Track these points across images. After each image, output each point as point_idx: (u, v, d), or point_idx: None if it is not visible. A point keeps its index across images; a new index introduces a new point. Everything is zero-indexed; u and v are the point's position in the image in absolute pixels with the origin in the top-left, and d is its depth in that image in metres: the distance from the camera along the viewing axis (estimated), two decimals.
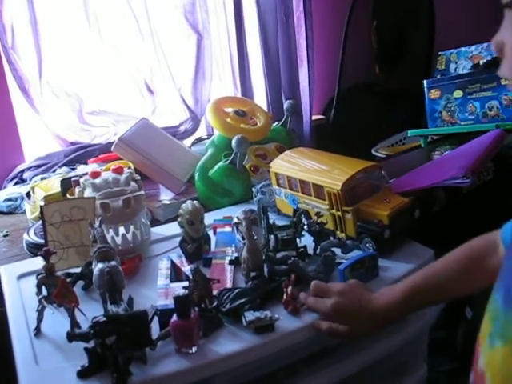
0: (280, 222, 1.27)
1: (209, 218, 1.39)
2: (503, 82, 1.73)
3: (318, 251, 1.20)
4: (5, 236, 1.58)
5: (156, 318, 0.96)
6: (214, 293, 1.03)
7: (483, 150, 1.53)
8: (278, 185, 1.42)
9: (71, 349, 0.91)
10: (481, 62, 1.97)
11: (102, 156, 1.88)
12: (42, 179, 1.79)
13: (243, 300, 1.01)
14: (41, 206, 1.21)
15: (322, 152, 1.43)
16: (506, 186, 1.63)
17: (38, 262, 1.10)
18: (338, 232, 1.27)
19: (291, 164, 1.39)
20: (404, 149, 2.07)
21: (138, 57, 2.06)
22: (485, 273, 0.87)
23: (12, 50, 1.83)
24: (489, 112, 1.80)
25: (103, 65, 2.04)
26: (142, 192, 1.34)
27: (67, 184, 1.55)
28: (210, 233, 1.35)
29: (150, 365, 0.89)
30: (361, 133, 2.28)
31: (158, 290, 1.09)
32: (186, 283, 1.05)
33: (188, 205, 1.26)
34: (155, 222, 1.55)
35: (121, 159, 1.74)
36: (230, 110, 1.86)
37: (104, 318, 0.85)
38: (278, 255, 1.18)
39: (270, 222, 1.24)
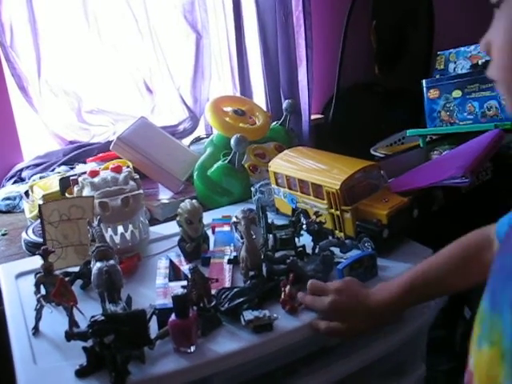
0: (279, 222, 1.27)
1: (207, 217, 1.39)
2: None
3: (316, 250, 1.20)
4: (3, 235, 1.58)
5: (154, 317, 0.96)
6: (213, 292, 1.03)
7: (482, 149, 1.53)
8: (277, 184, 1.42)
9: (69, 348, 0.91)
10: (480, 62, 1.97)
11: (100, 155, 1.88)
12: (40, 178, 1.78)
13: (242, 299, 1.01)
14: (39, 205, 1.21)
15: (321, 151, 1.43)
16: (504, 186, 1.63)
17: (36, 261, 1.10)
18: (337, 231, 1.27)
19: (290, 163, 1.39)
20: (403, 148, 2.07)
21: (137, 56, 2.06)
22: (482, 266, 0.87)
23: (11, 48, 1.82)
24: (488, 112, 1.81)
25: (102, 64, 2.04)
26: (141, 191, 1.34)
27: (66, 183, 1.55)
28: (209, 232, 1.35)
29: (149, 364, 0.89)
30: (360, 132, 2.28)
31: (156, 289, 1.09)
32: (185, 282, 1.05)
33: (187, 204, 1.26)
34: (154, 221, 1.55)
35: (119, 158, 1.74)
36: (228, 109, 1.86)
37: (102, 317, 0.85)
38: (277, 254, 1.18)
39: (269, 221, 1.24)
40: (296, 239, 1.22)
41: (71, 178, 1.50)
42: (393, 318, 1.02)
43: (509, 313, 0.48)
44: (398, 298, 0.96)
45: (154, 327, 0.94)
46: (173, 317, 0.91)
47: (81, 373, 0.88)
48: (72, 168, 1.86)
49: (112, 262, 1.01)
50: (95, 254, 1.03)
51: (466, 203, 1.59)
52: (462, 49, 2.08)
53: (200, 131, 2.23)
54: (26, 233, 1.44)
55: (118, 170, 1.37)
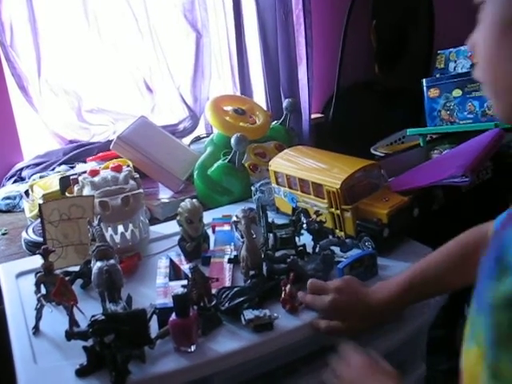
0: (279, 221, 1.27)
1: (208, 217, 1.39)
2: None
3: (317, 250, 1.20)
4: (3, 234, 1.58)
5: (155, 317, 0.96)
6: (213, 291, 1.03)
7: (482, 148, 1.53)
8: (277, 183, 1.42)
9: (70, 347, 0.91)
10: None
11: (100, 154, 1.88)
12: (40, 177, 1.78)
13: (242, 298, 1.01)
14: (39, 205, 1.21)
15: (321, 150, 1.43)
16: (504, 185, 1.63)
17: (36, 261, 1.10)
18: (337, 231, 1.27)
19: (290, 162, 1.39)
20: (403, 148, 2.07)
21: (137, 55, 2.06)
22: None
23: (11, 48, 1.82)
24: (488, 111, 1.81)
25: (102, 63, 2.03)
26: (141, 190, 1.34)
27: (66, 182, 1.55)
28: (209, 231, 1.35)
29: (149, 363, 0.89)
30: (360, 131, 2.28)
31: (156, 289, 1.09)
32: (185, 282, 1.05)
33: (187, 203, 1.26)
34: (154, 221, 1.55)
35: (120, 157, 1.73)
36: (229, 108, 1.85)
37: (103, 317, 0.85)
38: (277, 254, 1.18)
39: (269, 220, 1.24)
40: (296, 238, 1.22)
41: (71, 177, 1.50)
42: (392, 317, 1.02)
43: (487, 313, 0.48)
44: (397, 297, 0.97)
45: (154, 326, 0.94)
46: (173, 316, 0.91)
47: (81, 372, 0.88)
48: (72, 167, 1.86)
49: (112, 261, 1.01)
50: (95, 253, 1.03)
51: (467, 202, 1.59)
52: (463, 48, 2.08)
53: (200, 130, 2.23)
54: (26, 232, 1.44)
55: (118, 169, 1.37)
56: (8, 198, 1.77)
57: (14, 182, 1.88)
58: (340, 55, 2.33)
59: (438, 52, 2.19)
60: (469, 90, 1.85)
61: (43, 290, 1.03)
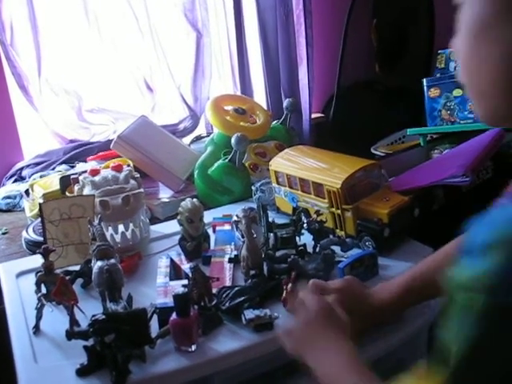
0: (279, 220, 1.27)
1: (208, 216, 1.39)
2: None
3: (317, 249, 1.20)
4: (3, 234, 1.58)
5: (155, 316, 0.96)
6: (214, 291, 1.03)
7: (482, 148, 1.53)
8: (278, 183, 1.42)
9: (70, 347, 0.91)
10: None
11: (101, 154, 1.87)
12: (40, 177, 1.78)
13: (243, 298, 1.01)
14: (40, 204, 1.21)
15: (322, 150, 1.43)
16: (505, 185, 1.62)
17: (36, 260, 1.10)
18: (338, 230, 1.27)
19: (291, 162, 1.39)
20: (403, 147, 2.07)
21: (137, 54, 2.06)
22: None
23: (11, 47, 1.82)
24: None
25: (102, 62, 2.03)
26: (142, 190, 1.34)
27: (66, 182, 1.54)
28: (210, 231, 1.35)
29: (150, 363, 0.89)
30: (360, 131, 2.28)
31: (157, 288, 1.09)
32: (186, 281, 1.05)
33: (187, 203, 1.26)
34: (154, 220, 1.55)
35: (120, 157, 1.73)
36: (229, 107, 1.85)
37: (103, 316, 0.85)
38: (278, 253, 1.18)
39: (270, 220, 1.24)
40: (297, 238, 1.22)
41: (72, 176, 1.50)
42: (393, 318, 1.02)
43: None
44: (398, 298, 0.96)
45: (154, 326, 0.95)
46: (174, 316, 0.91)
47: (81, 372, 0.88)
48: (72, 167, 1.86)
49: (113, 260, 1.01)
50: (96, 252, 1.03)
51: (467, 202, 1.59)
52: None
53: (200, 130, 2.23)
54: (27, 231, 1.44)
55: (118, 168, 1.37)
56: (8, 197, 1.77)
57: (15, 181, 1.88)
58: (340, 55, 2.33)
59: (439, 52, 2.19)
60: None
61: (43, 290, 1.03)
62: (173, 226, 1.36)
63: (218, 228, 1.38)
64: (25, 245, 1.42)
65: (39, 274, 1.03)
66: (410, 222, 1.24)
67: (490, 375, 0.39)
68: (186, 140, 2.10)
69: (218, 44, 2.26)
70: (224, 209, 1.55)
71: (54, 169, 1.88)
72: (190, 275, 1.01)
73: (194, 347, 0.92)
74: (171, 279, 1.13)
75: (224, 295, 1.03)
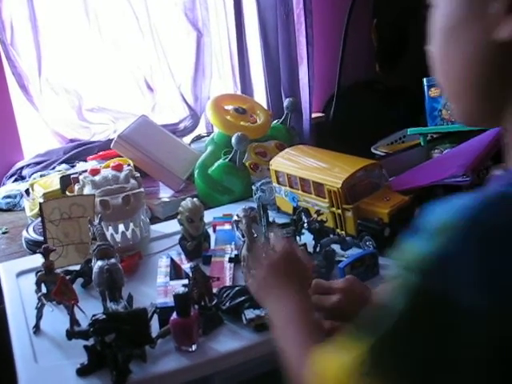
0: (280, 220, 1.27)
1: (208, 216, 1.39)
2: None
3: (317, 249, 1.19)
4: (4, 233, 1.58)
5: (156, 316, 0.96)
6: (214, 291, 1.03)
7: (483, 148, 1.53)
8: (278, 182, 1.42)
9: (71, 346, 0.91)
10: None
11: (101, 153, 1.87)
12: (41, 176, 1.78)
13: (243, 298, 1.01)
14: (40, 203, 1.21)
15: (322, 150, 1.43)
16: None
17: (37, 260, 1.10)
18: (338, 230, 1.27)
19: (291, 162, 1.38)
20: (403, 147, 2.07)
21: (137, 54, 2.06)
22: None
23: (11, 46, 1.82)
24: None
25: (103, 62, 2.03)
26: (142, 189, 1.34)
27: (66, 181, 1.54)
28: (210, 230, 1.35)
29: (150, 363, 0.89)
30: (360, 131, 2.28)
31: (157, 288, 1.09)
32: (186, 281, 1.05)
33: (188, 202, 1.26)
34: (155, 220, 1.55)
35: (120, 156, 1.73)
36: (229, 107, 1.85)
37: (104, 316, 0.85)
38: None
39: (270, 219, 1.23)
40: (297, 238, 1.22)
41: (72, 176, 1.50)
42: None
43: None
44: None
45: (155, 326, 0.94)
46: (174, 315, 0.91)
47: (82, 371, 0.88)
48: (73, 166, 1.86)
49: (113, 260, 1.01)
50: (96, 252, 1.03)
51: None
52: None
53: (201, 129, 2.23)
54: (27, 231, 1.44)
55: (118, 168, 1.37)
56: (8, 196, 1.77)
57: (15, 180, 1.88)
58: (341, 54, 2.33)
59: None
60: None
61: (44, 289, 1.03)
62: (173, 226, 1.36)
63: (218, 228, 1.38)
64: (25, 244, 1.42)
65: (39, 273, 1.03)
66: (411, 221, 1.23)
67: (405, 354, 0.40)
68: (187, 139, 2.09)
69: (218, 43, 2.26)
70: (224, 208, 1.55)
71: (54, 168, 1.88)
72: (191, 275, 1.01)
73: (194, 347, 0.92)
74: (171, 279, 1.13)
75: (224, 295, 1.03)
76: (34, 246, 1.36)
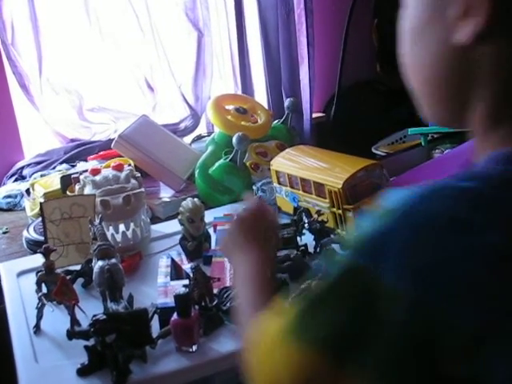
0: (281, 220, 1.26)
1: (209, 216, 1.39)
2: None
3: (318, 249, 1.19)
4: (4, 233, 1.58)
5: (156, 316, 0.96)
6: (215, 291, 1.03)
7: None
8: (279, 183, 1.42)
9: (71, 347, 0.91)
10: None
11: (102, 153, 1.87)
12: (41, 176, 1.78)
13: None
14: (40, 203, 1.21)
15: (323, 150, 1.43)
16: None
17: (37, 259, 1.10)
18: (339, 230, 1.27)
19: (292, 162, 1.38)
20: (404, 147, 2.07)
21: (138, 53, 2.06)
22: None
23: (12, 46, 1.82)
24: None
25: (103, 61, 2.03)
26: (142, 189, 1.34)
27: (67, 181, 1.54)
28: (211, 230, 1.35)
29: (150, 363, 0.89)
30: (361, 131, 2.27)
31: (157, 288, 1.08)
32: (187, 281, 1.05)
33: (188, 202, 1.26)
34: (155, 220, 1.54)
35: (121, 156, 1.73)
36: (230, 107, 1.85)
37: (104, 316, 0.85)
38: (279, 253, 1.18)
39: None
40: (298, 238, 1.22)
41: (72, 176, 1.50)
42: None
43: None
44: None
45: (155, 326, 0.94)
46: (175, 316, 0.91)
47: (82, 372, 0.88)
48: (73, 166, 1.86)
49: (114, 260, 1.01)
50: (97, 252, 1.03)
51: None
52: None
53: (201, 129, 2.22)
54: (27, 231, 1.44)
55: (119, 168, 1.37)
56: (9, 196, 1.77)
57: (15, 180, 1.88)
58: (341, 54, 2.33)
59: None
60: None
61: (44, 289, 1.03)
62: (174, 226, 1.35)
63: (218, 228, 1.38)
64: (25, 244, 1.42)
65: (40, 273, 1.03)
66: None
67: (326, 324, 0.41)
68: (187, 139, 2.09)
69: (219, 43, 2.26)
70: (225, 208, 1.54)
71: (54, 168, 1.88)
72: (191, 275, 1.01)
73: (194, 347, 0.92)
74: (172, 279, 1.13)
75: (225, 295, 1.02)
76: (34, 246, 1.36)
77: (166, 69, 2.08)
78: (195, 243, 1.25)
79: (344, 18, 2.31)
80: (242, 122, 1.80)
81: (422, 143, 1.97)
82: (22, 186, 1.78)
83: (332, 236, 1.22)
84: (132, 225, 1.29)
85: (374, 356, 0.38)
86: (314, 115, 2.28)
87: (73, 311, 0.93)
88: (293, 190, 1.37)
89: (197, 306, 0.97)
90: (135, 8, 1.99)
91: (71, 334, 0.89)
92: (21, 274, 1.24)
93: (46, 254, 1.02)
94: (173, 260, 1.21)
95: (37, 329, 1.01)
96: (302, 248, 1.20)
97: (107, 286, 0.97)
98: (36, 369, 0.91)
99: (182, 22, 2.09)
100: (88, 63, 2.01)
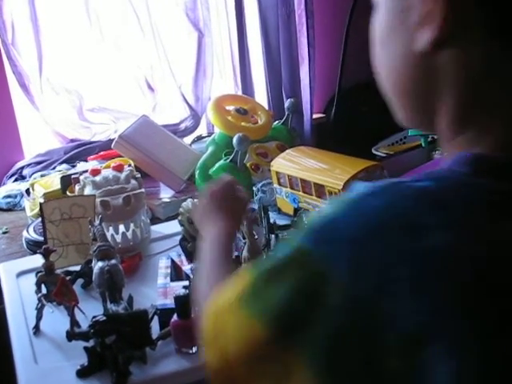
0: (281, 222, 1.26)
1: None
2: None
3: None
4: (4, 233, 1.58)
5: (156, 318, 0.96)
6: None
7: None
8: (279, 184, 1.42)
9: (71, 348, 0.91)
10: None
11: (102, 153, 1.87)
12: (41, 176, 1.78)
13: None
14: (40, 203, 1.21)
15: (323, 151, 1.42)
16: None
17: (37, 260, 1.10)
18: None
19: (292, 163, 1.38)
20: (404, 148, 2.07)
21: (138, 54, 2.06)
22: None
23: (12, 46, 1.82)
24: None
25: (104, 62, 2.03)
26: (143, 190, 1.34)
27: (67, 181, 1.54)
28: None
29: (150, 364, 0.89)
30: (361, 132, 2.27)
31: (157, 289, 1.08)
32: (187, 282, 1.05)
33: (188, 203, 1.26)
34: (155, 220, 1.54)
35: (121, 157, 1.73)
36: (231, 107, 1.85)
37: (104, 318, 0.85)
38: None
39: (271, 221, 1.23)
40: None
41: (72, 176, 1.50)
42: None
43: None
44: None
45: (155, 327, 0.94)
46: (175, 317, 0.91)
47: (82, 373, 0.88)
48: (73, 166, 1.86)
49: (114, 261, 1.01)
50: (97, 253, 1.03)
51: None
52: None
53: (201, 130, 2.22)
54: (27, 231, 1.44)
55: (119, 168, 1.37)
56: (9, 196, 1.77)
57: (15, 180, 1.88)
58: (342, 55, 2.32)
59: None
60: None
61: (44, 290, 1.02)
62: (174, 227, 1.35)
63: None
64: (25, 244, 1.42)
65: (40, 274, 1.03)
66: None
67: (267, 298, 0.41)
68: (187, 140, 2.09)
69: (219, 44, 2.26)
70: None
71: (54, 168, 1.88)
72: (191, 276, 1.00)
73: (194, 349, 0.91)
74: (172, 280, 1.13)
75: None
76: (34, 246, 1.36)
77: (167, 69, 2.08)
78: (195, 244, 1.24)
79: (344, 19, 2.30)
80: (243, 123, 1.79)
81: (423, 144, 1.97)
82: (22, 186, 1.78)
83: None
84: (132, 225, 1.29)
85: (313, 338, 0.38)
86: (315, 116, 2.28)
87: (72, 312, 0.93)
88: (293, 191, 1.37)
89: (197, 308, 0.97)
90: (135, 8, 1.99)
91: (71, 335, 0.89)
92: (20, 274, 1.23)
93: (46, 254, 1.02)
94: (173, 261, 1.21)
95: (36, 330, 1.01)
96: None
97: (107, 287, 0.96)
98: (35, 370, 0.91)
99: (182, 22, 2.09)
100: (88, 63, 2.01)
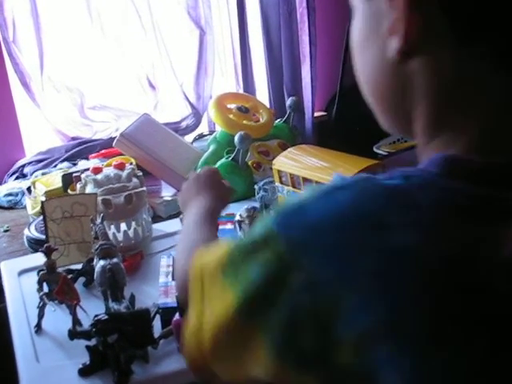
0: None
1: None
2: None
3: None
4: (5, 231, 1.58)
5: (158, 317, 0.96)
6: None
7: None
8: (281, 182, 1.41)
9: (72, 346, 0.91)
10: None
11: (103, 151, 1.87)
12: (42, 174, 1.78)
13: None
14: (42, 202, 1.21)
15: (325, 149, 1.42)
16: None
17: (39, 258, 1.09)
18: None
19: (294, 161, 1.38)
20: (406, 146, 2.07)
21: (140, 52, 2.05)
22: None
23: (13, 43, 1.82)
24: None
25: (105, 59, 2.03)
26: (144, 188, 1.33)
27: (68, 179, 1.54)
28: None
29: (152, 363, 0.89)
30: (363, 130, 2.27)
31: (159, 288, 1.08)
32: None
33: None
34: (157, 219, 1.54)
35: (122, 155, 1.73)
36: (232, 106, 1.85)
37: (106, 317, 0.85)
38: None
39: None
40: None
41: (74, 174, 1.50)
42: None
43: None
44: None
45: (157, 326, 0.94)
46: (177, 316, 0.91)
47: (84, 372, 0.88)
48: (74, 164, 1.86)
49: (115, 260, 1.01)
50: (98, 251, 1.03)
51: None
52: None
53: (203, 128, 2.22)
54: (29, 229, 1.43)
55: (121, 166, 1.37)
56: (10, 194, 1.77)
57: (16, 178, 1.88)
58: (344, 53, 2.32)
59: None
60: None
61: (46, 288, 1.02)
62: (175, 225, 1.35)
63: (220, 227, 1.37)
64: (27, 243, 1.42)
65: (41, 272, 1.03)
66: None
67: (239, 272, 0.42)
68: (189, 138, 2.09)
69: (220, 42, 2.26)
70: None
71: (56, 166, 1.87)
72: None
73: None
74: (173, 278, 1.12)
75: None
76: (35, 245, 1.36)
77: (168, 67, 2.08)
78: None
79: (346, 17, 2.30)
80: (244, 121, 1.79)
81: None
82: (23, 184, 1.78)
83: None
84: (133, 224, 1.29)
85: (274, 320, 0.39)
86: (316, 114, 2.28)
87: (74, 311, 0.93)
88: (295, 189, 1.36)
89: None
90: (137, 6, 1.99)
91: (73, 334, 0.89)
92: (22, 272, 1.23)
93: (48, 252, 1.02)
94: (174, 259, 1.21)
95: (38, 328, 1.01)
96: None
97: (109, 286, 0.96)
98: (37, 368, 0.91)
99: (183, 20, 2.09)
100: (89, 61, 2.00)
